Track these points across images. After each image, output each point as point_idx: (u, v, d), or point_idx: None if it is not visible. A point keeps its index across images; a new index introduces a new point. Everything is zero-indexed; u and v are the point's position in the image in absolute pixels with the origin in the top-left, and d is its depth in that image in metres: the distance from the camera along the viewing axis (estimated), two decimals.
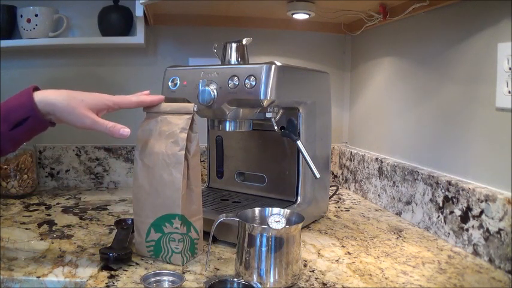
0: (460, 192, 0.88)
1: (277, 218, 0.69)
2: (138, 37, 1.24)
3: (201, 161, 1.12)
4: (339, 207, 1.19)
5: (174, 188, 0.77)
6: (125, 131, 0.74)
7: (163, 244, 0.79)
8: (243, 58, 0.97)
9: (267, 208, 0.78)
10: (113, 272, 0.74)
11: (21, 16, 1.23)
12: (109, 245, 0.81)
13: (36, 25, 1.23)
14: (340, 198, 1.29)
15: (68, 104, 0.70)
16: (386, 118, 1.25)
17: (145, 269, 0.76)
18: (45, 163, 1.37)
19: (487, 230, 0.80)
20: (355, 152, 1.37)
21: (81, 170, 1.38)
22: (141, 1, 1.12)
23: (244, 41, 0.97)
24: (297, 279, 0.72)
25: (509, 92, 0.79)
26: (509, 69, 0.78)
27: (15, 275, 0.72)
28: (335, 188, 1.32)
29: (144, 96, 0.80)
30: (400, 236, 0.96)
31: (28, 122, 0.69)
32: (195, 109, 0.79)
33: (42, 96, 0.70)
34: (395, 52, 1.21)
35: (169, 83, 0.96)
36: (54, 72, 1.35)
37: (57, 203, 1.19)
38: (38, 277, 0.72)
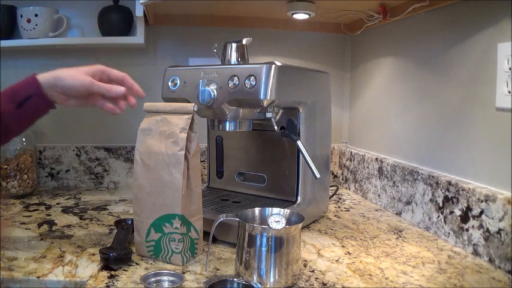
0: (460, 192, 0.88)
1: (277, 218, 0.69)
2: (138, 37, 1.24)
3: (201, 161, 1.12)
4: (339, 207, 1.19)
5: (174, 188, 0.77)
6: (119, 88, 0.82)
7: (163, 244, 0.79)
8: (243, 58, 0.97)
9: (267, 208, 0.78)
10: (113, 272, 0.74)
11: (21, 16, 1.23)
12: (109, 245, 0.81)
13: (36, 25, 1.23)
14: (340, 198, 1.29)
15: (69, 73, 0.80)
16: (386, 118, 1.25)
17: (145, 269, 0.76)
18: (45, 163, 1.37)
19: (487, 230, 0.80)
20: (355, 152, 1.37)
21: (81, 170, 1.38)
22: (141, 1, 1.12)
23: (244, 41, 0.97)
24: (297, 279, 0.72)
25: (509, 92, 0.78)
26: (509, 69, 0.78)
27: (15, 275, 0.72)
28: (335, 188, 1.33)
29: (128, 78, 0.86)
30: (400, 236, 0.96)
31: (32, 99, 0.75)
32: (195, 109, 0.79)
33: (45, 74, 0.78)
34: (395, 52, 1.21)
35: (169, 83, 0.96)
36: None
37: (57, 203, 1.19)
38: (38, 277, 0.72)
